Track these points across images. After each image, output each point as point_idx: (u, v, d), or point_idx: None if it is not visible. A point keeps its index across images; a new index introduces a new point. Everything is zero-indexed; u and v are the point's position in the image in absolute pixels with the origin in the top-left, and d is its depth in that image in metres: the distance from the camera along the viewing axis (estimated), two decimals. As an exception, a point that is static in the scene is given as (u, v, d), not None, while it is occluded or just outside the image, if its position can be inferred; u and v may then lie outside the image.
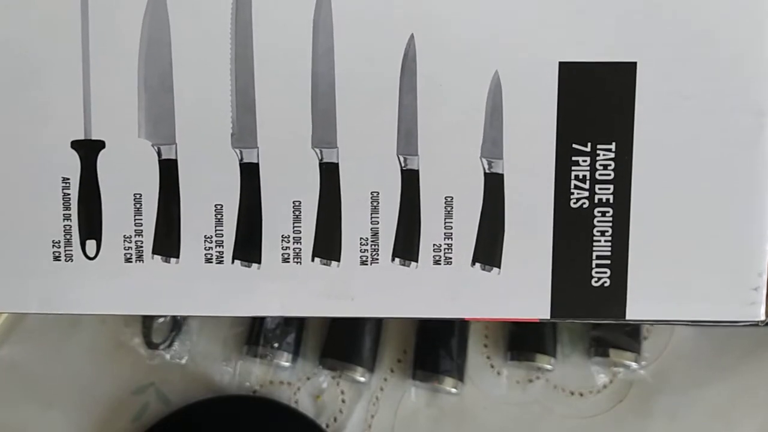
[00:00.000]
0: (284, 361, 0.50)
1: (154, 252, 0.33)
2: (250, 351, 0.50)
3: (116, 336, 0.51)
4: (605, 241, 0.32)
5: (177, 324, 0.50)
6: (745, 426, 0.50)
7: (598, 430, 0.50)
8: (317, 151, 0.32)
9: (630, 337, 0.50)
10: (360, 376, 0.50)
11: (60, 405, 0.51)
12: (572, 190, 0.32)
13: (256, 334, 0.50)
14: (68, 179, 0.33)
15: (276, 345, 0.50)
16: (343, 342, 0.50)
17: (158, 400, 0.51)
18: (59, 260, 0.33)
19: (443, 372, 0.49)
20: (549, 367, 0.50)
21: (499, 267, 0.33)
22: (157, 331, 0.50)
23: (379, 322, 0.51)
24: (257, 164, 0.32)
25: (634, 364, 0.50)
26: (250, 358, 0.50)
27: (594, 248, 0.33)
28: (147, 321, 0.51)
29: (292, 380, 0.51)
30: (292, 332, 0.50)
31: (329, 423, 0.51)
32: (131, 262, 0.33)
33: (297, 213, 0.33)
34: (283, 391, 0.51)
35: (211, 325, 0.51)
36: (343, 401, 0.51)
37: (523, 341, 0.50)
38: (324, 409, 0.51)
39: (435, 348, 0.50)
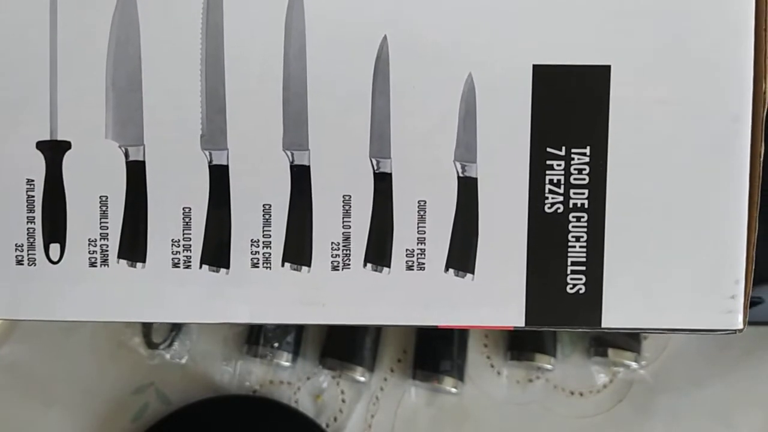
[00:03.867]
0: (284, 360, 0.50)
1: (120, 256, 0.32)
2: (250, 351, 0.50)
3: (116, 336, 0.51)
4: (580, 246, 0.32)
5: (177, 324, 0.50)
6: (745, 426, 0.50)
7: (598, 430, 0.50)
8: (288, 153, 0.32)
9: (630, 336, 0.50)
10: (360, 375, 0.50)
11: (60, 405, 0.51)
12: (547, 195, 0.32)
13: (256, 334, 0.50)
14: (33, 181, 0.32)
15: (276, 345, 0.50)
16: (343, 342, 0.50)
17: (158, 400, 0.51)
18: (22, 264, 0.32)
19: (443, 372, 0.50)
20: (549, 366, 0.50)
21: (472, 273, 0.32)
22: (157, 331, 0.51)
23: (379, 322, 0.51)
24: (227, 166, 0.32)
25: (634, 364, 0.50)
26: (250, 358, 0.50)
27: (569, 254, 0.32)
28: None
29: (292, 380, 0.51)
30: (292, 332, 0.50)
31: (329, 423, 0.51)
32: (96, 266, 0.32)
33: (267, 217, 0.32)
34: (283, 391, 0.51)
35: (211, 324, 0.51)
36: (343, 401, 0.51)
37: (523, 341, 0.50)
38: (324, 409, 0.51)
39: (435, 348, 0.50)
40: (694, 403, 0.50)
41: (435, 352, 0.50)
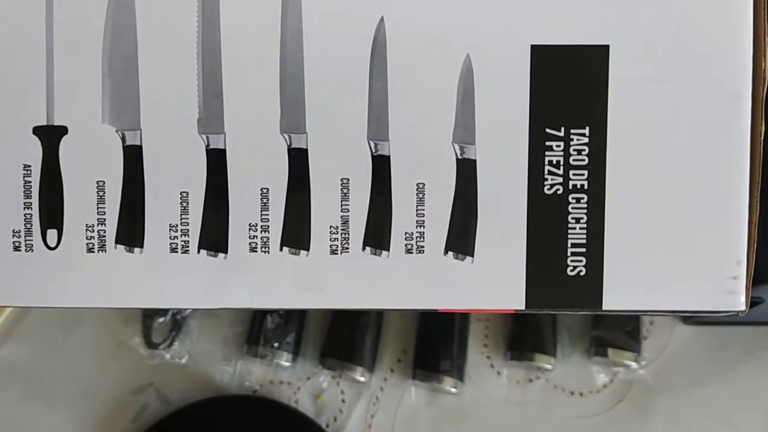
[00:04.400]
0: (284, 360, 0.50)
1: (117, 241, 0.32)
2: (250, 351, 0.50)
3: (116, 336, 0.51)
4: (580, 228, 0.32)
5: (177, 324, 0.51)
6: (745, 426, 0.50)
7: (598, 430, 0.51)
8: (286, 136, 0.32)
9: (630, 336, 0.50)
10: (360, 376, 0.50)
11: (60, 405, 0.51)
12: (546, 176, 0.32)
13: (256, 334, 0.50)
14: (29, 166, 0.32)
15: (276, 345, 0.50)
16: (343, 342, 0.50)
17: (158, 400, 0.51)
18: (19, 250, 0.32)
19: (443, 372, 0.50)
20: (549, 367, 0.50)
21: (472, 256, 0.32)
22: (157, 330, 0.51)
23: (379, 322, 0.51)
24: (224, 150, 0.32)
25: (634, 364, 0.50)
26: (250, 358, 0.51)
27: (569, 236, 0.32)
28: (147, 321, 0.51)
29: (292, 380, 0.51)
30: (292, 332, 0.50)
31: (329, 423, 0.51)
32: (93, 251, 0.32)
33: (265, 200, 0.32)
34: (283, 391, 0.51)
35: (211, 324, 0.51)
36: (343, 401, 0.51)
37: (523, 341, 0.50)
38: (324, 409, 0.51)
39: (435, 348, 0.50)
40: (694, 403, 0.50)
41: (435, 352, 0.50)
